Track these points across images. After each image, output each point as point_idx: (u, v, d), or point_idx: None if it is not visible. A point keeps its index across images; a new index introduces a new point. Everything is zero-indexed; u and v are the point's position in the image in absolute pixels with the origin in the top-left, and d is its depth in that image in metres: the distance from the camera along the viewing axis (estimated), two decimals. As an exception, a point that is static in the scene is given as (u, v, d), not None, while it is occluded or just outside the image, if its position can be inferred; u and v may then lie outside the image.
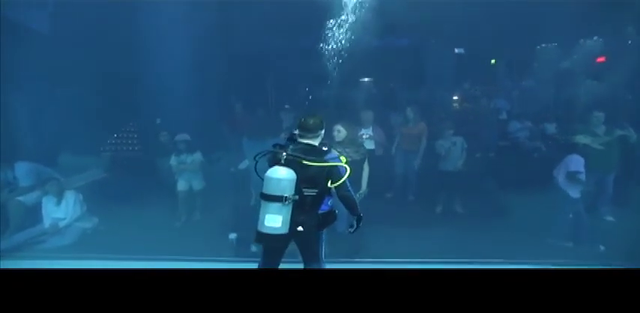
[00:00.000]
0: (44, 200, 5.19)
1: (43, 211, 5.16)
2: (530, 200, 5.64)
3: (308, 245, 3.14)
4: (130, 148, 7.10)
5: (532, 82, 7.99)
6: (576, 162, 4.72)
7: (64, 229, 5.14)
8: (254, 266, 4.36)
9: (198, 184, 5.84)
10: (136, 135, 7.14)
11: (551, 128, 6.61)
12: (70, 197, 5.25)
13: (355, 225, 3.14)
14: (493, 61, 8.98)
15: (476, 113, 7.59)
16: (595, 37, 6.85)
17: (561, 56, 7.02)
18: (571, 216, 4.79)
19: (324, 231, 3.17)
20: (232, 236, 4.95)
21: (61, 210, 5.17)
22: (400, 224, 5.22)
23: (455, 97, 8.30)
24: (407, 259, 4.40)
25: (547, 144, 6.35)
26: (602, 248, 4.70)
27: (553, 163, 5.00)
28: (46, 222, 5.13)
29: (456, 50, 8.89)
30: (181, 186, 5.78)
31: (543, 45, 6.22)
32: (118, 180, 6.25)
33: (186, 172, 5.78)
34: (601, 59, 7.36)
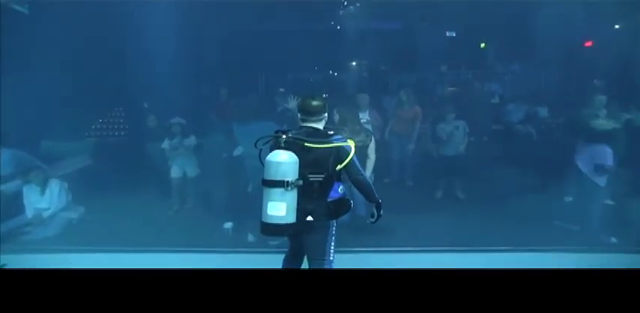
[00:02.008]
0: (26, 189, 4.92)
1: (26, 201, 4.90)
2: (533, 185, 5.53)
3: (316, 238, 2.88)
4: (117, 134, 6.84)
5: (535, 66, 7.85)
6: (607, 155, 4.57)
7: (49, 219, 4.89)
8: (250, 256, 4.32)
9: (192, 171, 5.62)
10: (122, 120, 6.86)
11: (555, 112, 6.47)
12: (55, 186, 4.99)
13: (376, 214, 2.89)
14: (493, 44, 8.82)
15: (478, 97, 7.43)
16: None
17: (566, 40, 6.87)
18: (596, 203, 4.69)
19: (334, 226, 2.93)
20: (228, 225, 4.78)
21: (45, 200, 4.92)
22: (400, 210, 5.06)
23: (454, 81, 8.15)
24: (409, 248, 4.26)
25: (550, 129, 6.21)
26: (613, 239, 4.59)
27: (558, 148, 4.88)
28: (29, 213, 4.87)
29: (453, 33, 8.74)
30: (175, 172, 5.57)
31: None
32: (105, 167, 5.97)
33: (180, 158, 5.56)
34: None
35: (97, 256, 4.10)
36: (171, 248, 4.25)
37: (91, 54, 5.98)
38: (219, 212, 5.13)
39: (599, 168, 4.60)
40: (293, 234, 2.82)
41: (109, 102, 6.98)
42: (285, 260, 3.16)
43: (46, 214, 4.89)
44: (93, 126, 7.01)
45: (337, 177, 2.83)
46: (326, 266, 2.92)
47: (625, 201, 5.01)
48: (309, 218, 2.76)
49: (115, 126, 6.94)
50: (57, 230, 4.86)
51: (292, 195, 2.65)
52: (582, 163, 4.73)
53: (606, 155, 4.61)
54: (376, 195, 2.84)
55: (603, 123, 4.91)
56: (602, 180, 4.66)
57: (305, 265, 3.07)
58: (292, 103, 5.05)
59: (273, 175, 2.62)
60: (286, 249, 3.16)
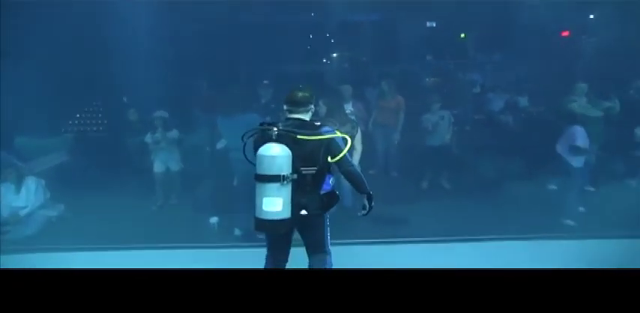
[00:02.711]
0: (1, 188, 4.74)
1: (1, 200, 4.72)
2: (519, 173, 5.59)
3: (313, 232, 2.86)
4: (95, 128, 6.63)
5: (516, 56, 7.90)
6: (579, 134, 4.67)
7: (27, 218, 4.74)
8: (237, 251, 4.25)
9: (175, 165, 5.50)
10: (100, 115, 6.66)
11: (538, 100, 6.55)
12: (31, 183, 4.82)
13: (367, 206, 2.84)
14: (474, 34, 8.84)
15: (460, 86, 7.45)
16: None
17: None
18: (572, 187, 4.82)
19: (328, 216, 2.90)
20: (213, 220, 4.69)
21: (22, 198, 4.76)
22: (387, 201, 5.05)
23: (436, 71, 8.16)
24: (397, 239, 4.25)
25: (533, 117, 6.29)
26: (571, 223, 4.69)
27: (542, 135, 4.94)
28: (4, 212, 4.69)
29: (434, 23, 8.73)
30: (157, 167, 5.44)
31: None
32: (84, 163, 5.80)
33: (163, 152, 5.44)
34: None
35: (78, 254, 3.98)
36: (156, 244, 4.16)
37: (67, 47, 5.77)
38: (204, 207, 5.03)
39: (573, 149, 4.71)
40: (285, 231, 2.76)
41: (87, 96, 6.77)
42: (268, 261, 3.03)
43: (23, 213, 4.73)
44: (70, 122, 6.79)
45: (328, 169, 2.79)
46: (327, 258, 2.92)
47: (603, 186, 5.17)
48: (304, 212, 2.71)
49: (94, 121, 6.73)
50: (36, 228, 4.70)
51: (288, 190, 2.59)
52: (559, 146, 4.85)
53: (578, 135, 4.71)
54: (367, 187, 2.80)
55: (578, 106, 5.02)
56: (576, 161, 4.76)
57: (300, 264, 3.02)
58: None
59: (268, 170, 2.55)
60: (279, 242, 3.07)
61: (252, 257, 3.30)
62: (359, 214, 2.89)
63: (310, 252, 2.94)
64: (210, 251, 4.09)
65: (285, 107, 2.84)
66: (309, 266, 2.96)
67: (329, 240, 2.93)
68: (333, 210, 3.01)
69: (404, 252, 4.08)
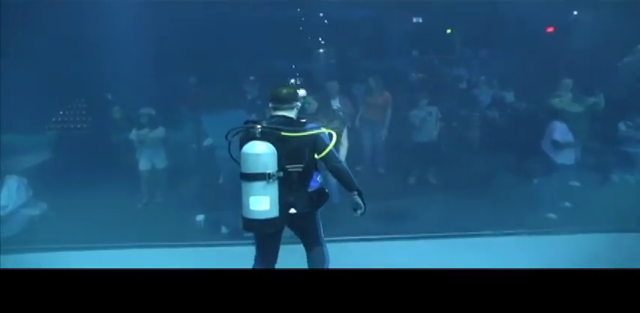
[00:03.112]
0: (-19, 187, 4.64)
1: (-17, 200, 4.63)
2: (506, 169, 5.62)
3: (306, 229, 2.84)
4: (80, 126, 6.51)
5: (502, 51, 7.94)
6: (558, 129, 4.73)
7: (8, 217, 4.65)
8: (223, 249, 4.21)
9: (160, 163, 5.43)
10: (84, 112, 6.54)
11: (524, 96, 6.58)
12: (13, 182, 4.74)
13: (361, 204, 2.75)
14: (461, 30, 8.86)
15: (447, 82, 7.47)
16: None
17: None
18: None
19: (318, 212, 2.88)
20: (200, 217, 4.66)
21: (3, 197, 4.66)
22: (373, 198, 5.05)
23: (423, 67, 8.15)
24: (387, 236, 4.28)
25: (519, 113, 6.33)
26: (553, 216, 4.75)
27: (528, 130, 4.98)
28: (-15, 211, 4.61)
29: (420, 19, 8.73)
30: (143, 165, 5.37)
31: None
32: (67, 161, 5.69)
33: (148, 150, 5.36)
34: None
35: (61, 254, 3.92)
36: (142, 243, 4.11)
37: (48, 43, 5.64)
38: (189, 205, 4.99)
39: (553, 144, 4.77)
40: (275, 231, 2.73)
41: (71, 93, 6.64)
42: (256, 261, 2.95)
43: (4, 212, 4.64)
44: (54, 119, 6.66)
45: (315, 166, 2.76)
46: (324, 249, 2.93)
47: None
48: (292, 210, 2.68)
49: (78, 119, 6.61)
50: (18, 228, 4.63)
51: (274, 188, 2.55)
52: (543, 141, 4.91)
53: (558, 130, 4.77)
54: (356, 183, 2.77)
55: (559, 102, 5.13)
56: (559, 157, 4.82)
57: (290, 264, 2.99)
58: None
59: (253, 168, 2.51)
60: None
61: (239, 256, 3.28)
62: (355, 214, 2.79)
63: (307, 247, 2.94)
64: (196, 250, 4.06)
65: (270, 104, 2.81)
66: (307, 259, 2.96)
67: (322, 233, 2.92)
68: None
69: (391, 249, 4.09)
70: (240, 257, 3.15)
